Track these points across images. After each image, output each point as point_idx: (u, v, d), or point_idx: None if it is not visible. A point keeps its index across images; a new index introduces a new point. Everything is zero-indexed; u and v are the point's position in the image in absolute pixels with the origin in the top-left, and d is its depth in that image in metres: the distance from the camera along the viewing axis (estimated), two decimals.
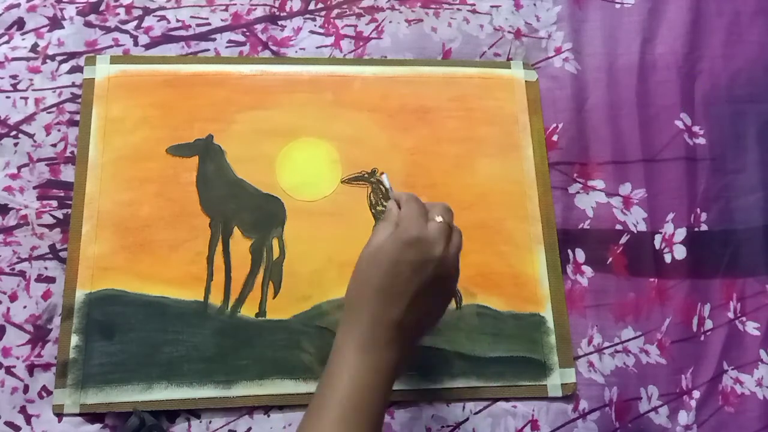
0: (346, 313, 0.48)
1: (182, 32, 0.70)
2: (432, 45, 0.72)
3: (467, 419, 0.59)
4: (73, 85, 0.66)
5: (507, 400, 0.60)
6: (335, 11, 0.72)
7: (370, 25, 0.72)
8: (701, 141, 0.71)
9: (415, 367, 0.59)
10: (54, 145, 0.64)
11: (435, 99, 0.69)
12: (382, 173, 0.59)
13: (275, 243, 0.63)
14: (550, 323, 0.63)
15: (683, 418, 0.62)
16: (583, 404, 0.61)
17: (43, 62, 0.67)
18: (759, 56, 0.76)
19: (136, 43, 0.69)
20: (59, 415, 0.56)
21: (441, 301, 0.50)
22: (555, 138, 0.70)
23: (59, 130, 0.65)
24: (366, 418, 0.43)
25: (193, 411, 0.57)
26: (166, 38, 0.69)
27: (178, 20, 0.70)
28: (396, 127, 0.68)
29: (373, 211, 0.64)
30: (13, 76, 0.66)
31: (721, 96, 0.73)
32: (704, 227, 0.69)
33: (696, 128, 0.72)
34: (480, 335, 0.62)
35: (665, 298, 0.66)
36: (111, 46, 0.68)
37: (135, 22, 0.69)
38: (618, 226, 0.67)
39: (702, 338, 0.65)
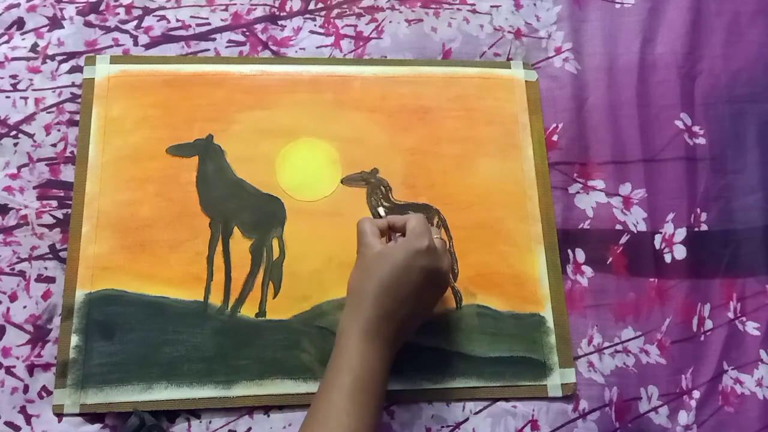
0: (350, 300, 0.53)
1: (182, 32, 0.70)
2: (432, 45, 0.72)
3: (467, 419, 0.59)
4: (73, 85, 0.66)
5: (507, 400, 0.60)
6: (335, 11, 0.72)
7: (370, 25, 0.72)
8: (701, 141, 0.71)
9: (414, 366, 0.60)
10: (54, 145, 0.64)
11: (435, 99, 0.69)
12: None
13: (275, 243, 0.63)
14: (550, 323, 0.63)
15: (683, 418, 0.62)
16: (583, 404, 0.61)
17: (43, 62, 0.67)
18: (759, 56, 0.76)
19: (136, 43, 0.69)
20: (59, 415, 0.56)
21: (433, 304, 0.57)
22: (555, 138, 0.70)
23: (59, 130, 0.65)
24: (372, 397, 0.49)
25: (193, 411, 0.57)
26: (166, 38, 0.69)
27: (178, 20, 0.70)
28: (396, 127, 0.68)
29: (373, 211, 0.64)
30: (13, 76, 0.66)
31: (721, 96, 0.73)
32: (704, 227, 0.69)
33: (696, 128, 0.72)
34: (480, 335, 0.62)
35: (665, 298, 0.66)
36: (111, 46, 0.68)
37: (135, 22, 0.69)
38: (618, 226, 0.67)
39: (702, 338, 0.65)
